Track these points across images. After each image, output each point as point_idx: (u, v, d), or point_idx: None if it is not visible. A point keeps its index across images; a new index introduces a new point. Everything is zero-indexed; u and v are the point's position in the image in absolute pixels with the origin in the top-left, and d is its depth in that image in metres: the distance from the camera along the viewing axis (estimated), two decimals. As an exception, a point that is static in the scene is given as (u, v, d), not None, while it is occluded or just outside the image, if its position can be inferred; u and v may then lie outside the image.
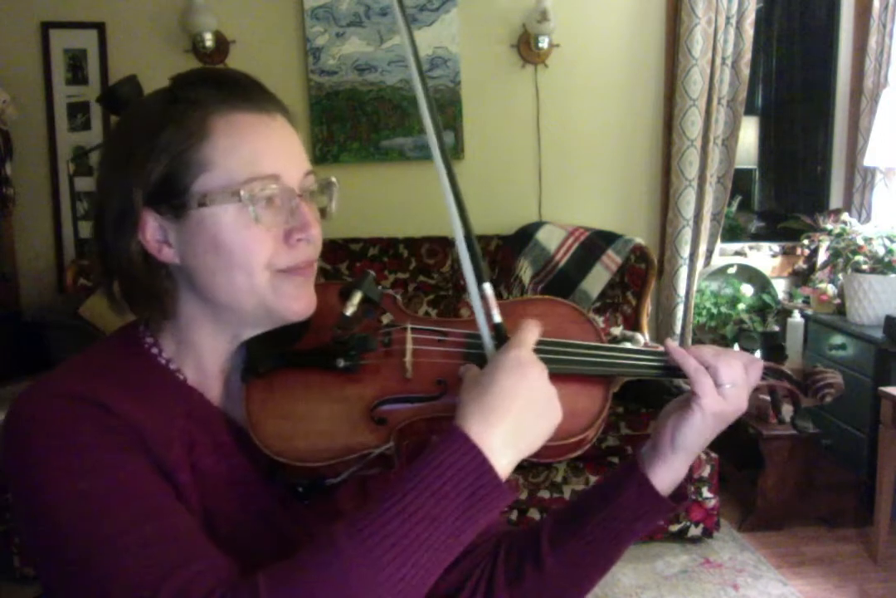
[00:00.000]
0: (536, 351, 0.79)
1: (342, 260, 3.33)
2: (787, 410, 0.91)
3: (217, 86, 0.81)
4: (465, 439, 0.70)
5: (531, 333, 0.79)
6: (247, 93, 0.82)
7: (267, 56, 3.36)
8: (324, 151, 3.43)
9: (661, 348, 0.89)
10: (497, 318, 0.81)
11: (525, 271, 3.35)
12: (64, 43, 3.28)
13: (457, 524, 0.68)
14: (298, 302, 0.84)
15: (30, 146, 3.30)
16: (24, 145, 3.27)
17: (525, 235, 3.42)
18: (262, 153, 0.80)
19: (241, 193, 0.78)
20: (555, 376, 0.78)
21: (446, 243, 3.37)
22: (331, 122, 3.43)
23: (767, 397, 0.90)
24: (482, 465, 0.69)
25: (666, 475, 0.90)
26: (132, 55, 3.27)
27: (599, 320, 3.39)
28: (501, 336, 0.80)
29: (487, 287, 0.81)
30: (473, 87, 3.49)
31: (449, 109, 3.47)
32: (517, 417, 0.72)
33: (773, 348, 0.92)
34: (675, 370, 0.88)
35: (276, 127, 0.83)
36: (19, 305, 3.34)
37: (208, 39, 3.21)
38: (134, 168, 0.79)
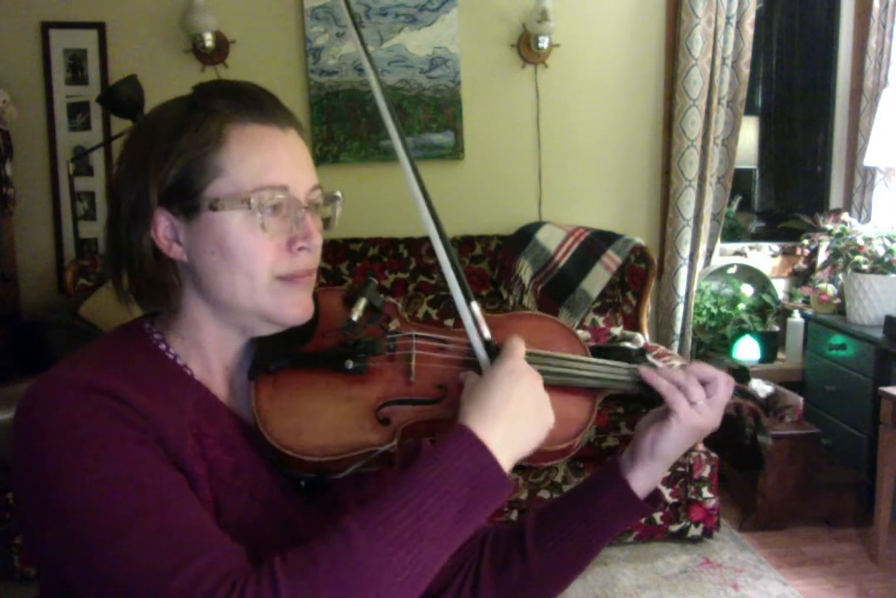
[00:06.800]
0: (529, 362, 0.85)
1: (342, 260, 3.33)
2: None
3: (235, 97, 0.85)
4: (468, 433, 0.75)
5: (520, 343, 0.87)
6: (262, 106, 0.86)
7: (267, 56, 3.36)
8: (324, 151, 3.43)
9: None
10: (486, 333, 0.88)
11: (525, 271, 3.35)
12: (64, 43, 3.28)
13: (461, 514, 0.72)
14: (294, 309, 0.87)
15: (30, 146, 3.30)
16: (24, 145, 3.27)
17: (525, 235, 3.42)
18: (272, 164, 0.84)
19: (251, 200, 0.82)
20: (546, 386, 0.84)
21: (446, 243, 3.37)
22: (331, 122, 3.42)
23: (734, 413, 1.00)
24: (485, 456, 0.74)
25: (644, 481, 0.97)
26: (132, 55, 3.26)
27: (599, 320, 3.40)
28: (492, 348, 0.87)
29: (475, 306, 0.88)
30: (473, 87, 3.49)
31: (449, 109, 3.48)
32: (511, 419, 0.79)
33: (739, 371, 1.02)
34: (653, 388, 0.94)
35: (288, 140, 0.87)
36: (19, 305, 3.33)
37: (208, 39, 3.20)
38: (152, 168, 0.83)
